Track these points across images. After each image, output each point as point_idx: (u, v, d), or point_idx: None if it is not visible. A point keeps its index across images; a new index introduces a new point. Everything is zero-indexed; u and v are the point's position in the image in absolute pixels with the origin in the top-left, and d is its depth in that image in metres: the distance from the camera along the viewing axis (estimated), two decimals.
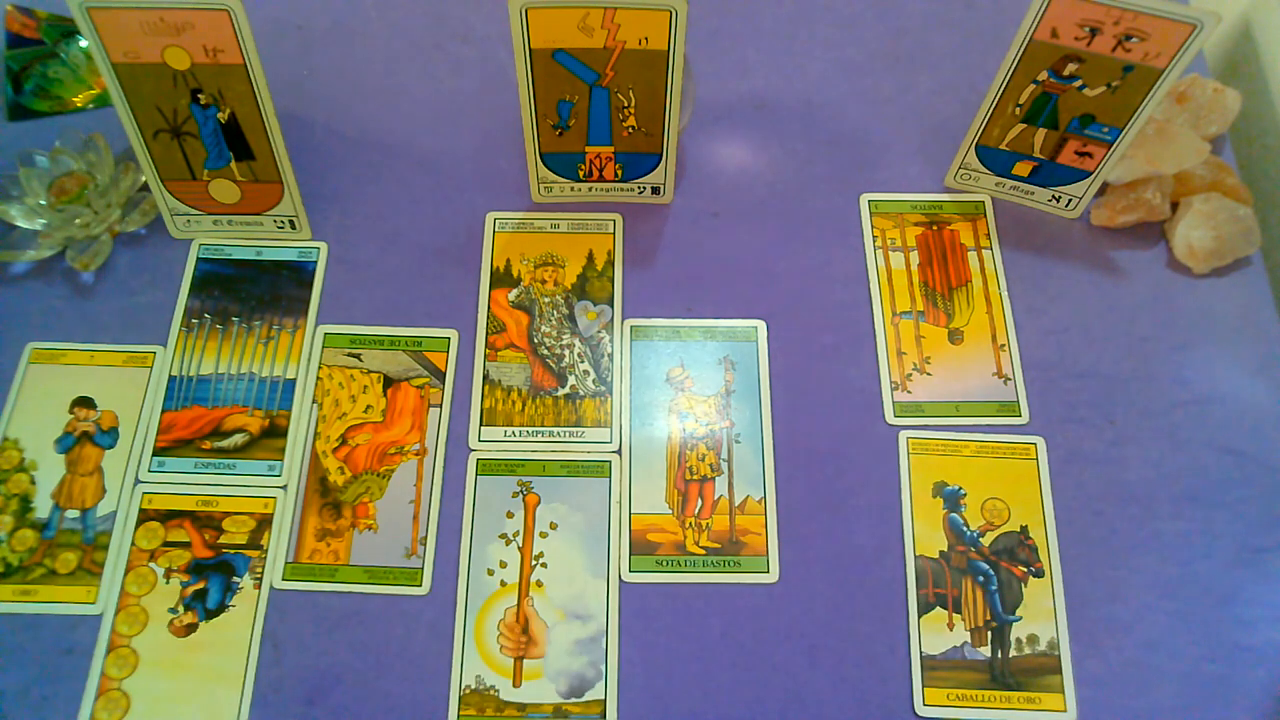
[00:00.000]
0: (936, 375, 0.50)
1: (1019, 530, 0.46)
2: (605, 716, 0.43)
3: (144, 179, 0.51)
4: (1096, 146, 0.50)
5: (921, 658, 0.44)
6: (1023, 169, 0.53)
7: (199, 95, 0.47)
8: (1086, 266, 0.53)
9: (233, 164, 0.50)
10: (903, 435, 0.49)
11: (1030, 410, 0.49)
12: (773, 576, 0.45)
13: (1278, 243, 0.58)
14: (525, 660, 0.44)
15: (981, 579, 0.45)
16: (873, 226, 0.54)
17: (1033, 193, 0.54)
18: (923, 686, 0.43)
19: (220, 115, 0.48)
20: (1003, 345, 0.51)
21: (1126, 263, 0.54)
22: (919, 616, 0.45)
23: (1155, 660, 0.44)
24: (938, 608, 0.45)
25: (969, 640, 0.44)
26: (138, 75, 0.46)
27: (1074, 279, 0.53)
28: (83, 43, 0.58)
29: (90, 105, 0.57)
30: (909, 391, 0.50)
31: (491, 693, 0.43)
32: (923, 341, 0.51)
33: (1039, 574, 0.46)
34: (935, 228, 0.54)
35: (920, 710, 0.43)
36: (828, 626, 0.43)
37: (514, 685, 0.43)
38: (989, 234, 0.54)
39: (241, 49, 0.45)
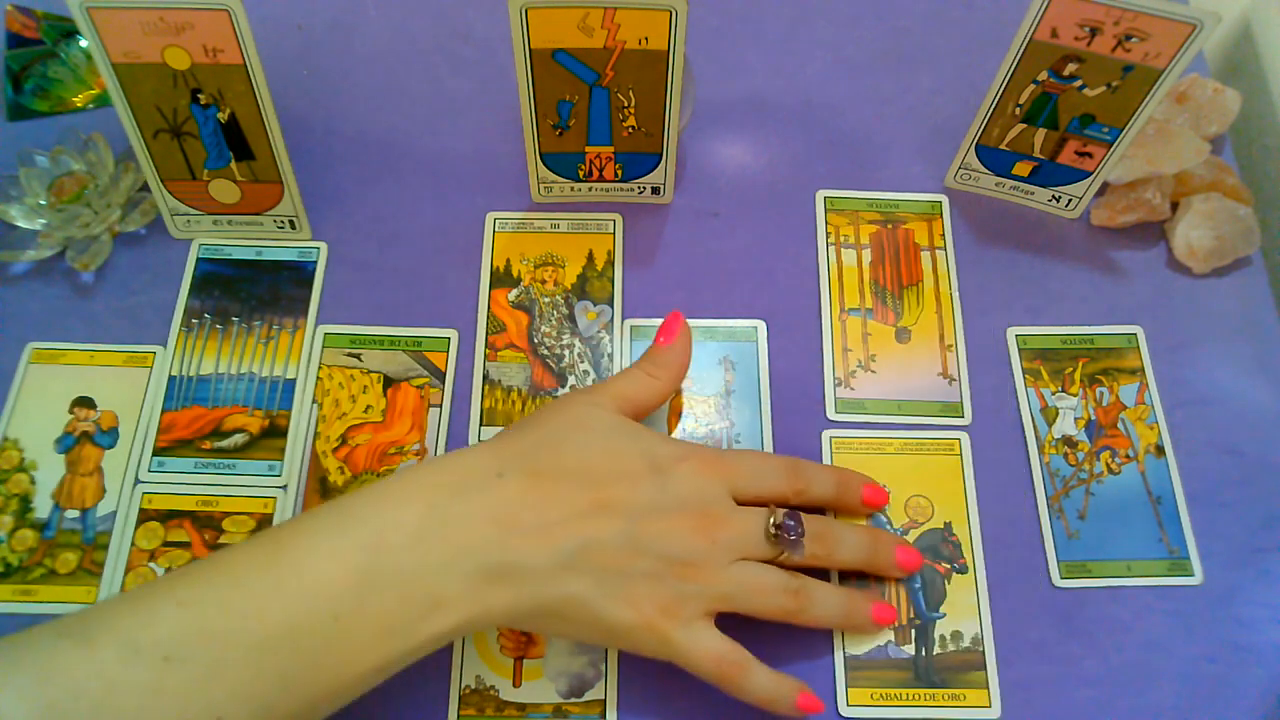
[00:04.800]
0: (881, 373, 0.50)
1: (942, 527, 0.46)
2: (605, 716, 0.43)
3: (144, 179, 0.51)
4: (1096, 146, 0.50)
5: (845, 658, 0.44)
6: (1023, 169, 0.53)
7: (199, 95, 0.47)
8: (1086, 266, 0.53)
9: (233, 164, 0.50)
10: (825, 435, 0.48)
11: (973, 411, 0.49)
12: None
13: (1278, 243, 0.58)
14: (525, 660, 0.44)
15: (905, 577, 0.45)
16: (827, 223, 0.54)
17: (1033, 193, 0.54)
18: (846, 687, 0.43)
19: (220, 115, 0.48)
20: (950, 346, 0.51)
21: (1126, 263, 0.54)
22: None
23: (1155, 660, 0.44)
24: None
25: (893, 639, 0.44)
26: (138, 75, 0.46)
27: (1074, 279, 0.53)
28: (83, 43, 0.58)
29: (90, 105, 0.57)
30: (851, 389, 0.50)
31: (491, 693, 0.43)
32: (869, 339, 0.51)
33: (962, 570, 0.45)
34: (890, 226, 0.54)
35: (844, 711, 0.43)
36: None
37: (514, 685, 0.43)
38: (944, 234, 0.54)
39: (241, 49, 0.45)
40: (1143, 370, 0.50)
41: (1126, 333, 0.51)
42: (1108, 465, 0.48)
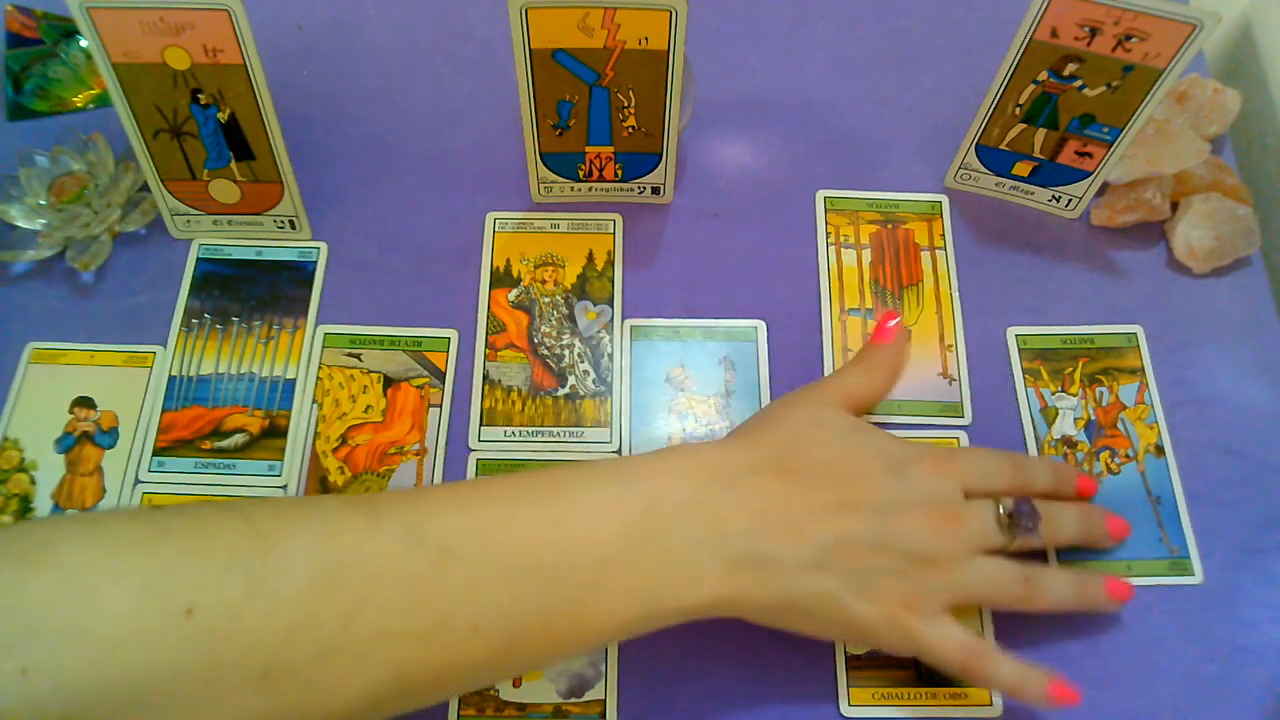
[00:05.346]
0: None
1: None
2: (605, 716, 0.43)
3: (144, 179, 0.51)
4: (1096, 146, 0.50)
5: (846, 658, 0.44)
6: (1023, 169, 0.53)
7: (199, 95, 0.47)
8: (1086, 266, 0.53)
9: (233, 164, 0.50)
10: None
11: (973, 411, 0.49)
12: None
13: (1278, 243, 0.58)
14: None
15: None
16: (827, 223, 0.54)
17: (1033, 193, 0.54)
18: (848, 687, 0.43)
19: (220, 115, 0.48)
20: (950, 346, 0.51)
21: (1126, 263, 0.54)
22: None
23: (1155, 660, 0.44)
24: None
25: None
26: (138, 75, 0.46)
27: (1074, 279, 0.53)
28: (83, 43, 0.58)
29: (90, 105, 0.57)
30: None
31: (491, 693, 0.43)
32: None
33: None
34: (890, 226, 0.54)
35: (845, 711, 0.43)
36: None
37: (514, 685, 0.43)
38: (944, 234, 0.54)
39: (241, 49, 0.45)
40: (1143, 370, 0.50)
41: (1126, 332, 0.51)
42: (1107, 465, 0.48)
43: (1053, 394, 0.50)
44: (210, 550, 0.31)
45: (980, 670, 0.39)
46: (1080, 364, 0.50)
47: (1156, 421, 0.49)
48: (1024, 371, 0.50)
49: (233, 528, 0.32)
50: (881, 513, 0.39)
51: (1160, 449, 0.48)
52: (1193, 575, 0.46)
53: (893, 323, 0.45)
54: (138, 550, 0.30)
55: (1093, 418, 0.49)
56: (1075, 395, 0.49)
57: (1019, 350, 0.51)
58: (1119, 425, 0.49)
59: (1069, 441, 0.48)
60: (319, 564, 0.32)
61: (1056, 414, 0.49)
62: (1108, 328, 0.51)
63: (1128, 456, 0.48)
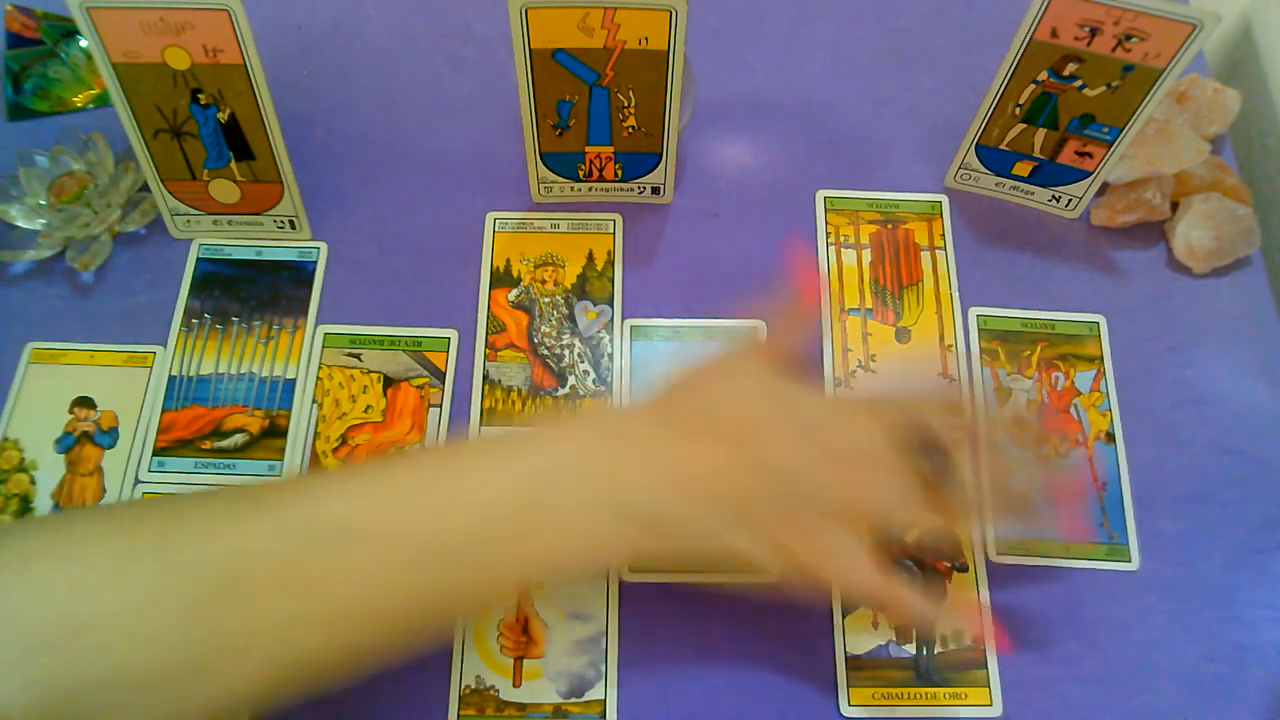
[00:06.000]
0: (881, 374, 0.50)
1: (943, 525, 0.46)
2: (605, 716, 0.43)
3: (144, 179, 0.51)
4: (1096, 146, 0.50)
5: (846, 658, 0.44)
6: (1023, 169, 0.53)
7: (199, 95, 0.47)
8: (1086, 267, 0.53)
9: (233, 164, 0.50)
10: None
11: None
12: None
13: (1278, 243, 0.58)
14: (525, 660, 0.44)
15: (906, 576, 0.45)
16: (827, 223, 0.54)
17: (1033, 193, 0.54)
18: (847, 687, 0.43)
19: (220, 115, 0.48)
20: (950, 346, 0.51)
21: (1126, 263, 0.54)
22: (843, 617, 0.45)
23: (1155, 660, 0.44)
24: (862, 607, 0.45)
25: (894, 638, 0.44)
26: (138, 75, 0.46)
27: (1074, 279, 0.53)
28: (83, 43, 0.58)
29: (90, 105, 0.57)
30: (852, 389, 0.50)
31: (491, 693, 0.43)
32: (869, 339, 0.51)
33: (963, 569, 0.46)
34: (890, 226, 0.54)
35: (845, 711, 0.43)
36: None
37: (514, 685, 0.43)
38: (944, 234, 0.54)
39: (241, 49, 0.45)
40: (1101, 359, 0.50)
41: (1088, 321, 0.51)
42: (1055, 449, 0.48)
43: (1008, 375, 0.50)
44: (107, 562, 0.31)
45: (898, 614, 0.40)
46: (1039, 348, 0.50)
47: (1110, 409, 0.49)
48: (982, 351, 0.50)
49: (127, 536, 0.32)
50: (786, 467, 0.38)
51: (1111, 436, 0.48)
52: (1130, 561, 0.46)
53: (797, 253, 0.44)
54: (43, 560, 0.31)
55: (1045, 401, 0.49)
56: (1031, 378, 0.50)
57: (979, 330, 0.51)
58: (1071, 410, 0.49)
59: (1019, 423, 0.48)
60: (215, 562, 0.32)
61: (1010, 394, 0.49)
62: (1070, 315, 0.51)
63: (1077, 441, 0.48)
